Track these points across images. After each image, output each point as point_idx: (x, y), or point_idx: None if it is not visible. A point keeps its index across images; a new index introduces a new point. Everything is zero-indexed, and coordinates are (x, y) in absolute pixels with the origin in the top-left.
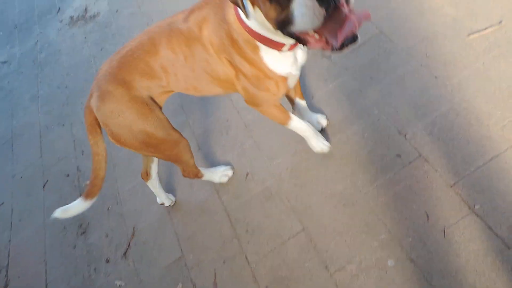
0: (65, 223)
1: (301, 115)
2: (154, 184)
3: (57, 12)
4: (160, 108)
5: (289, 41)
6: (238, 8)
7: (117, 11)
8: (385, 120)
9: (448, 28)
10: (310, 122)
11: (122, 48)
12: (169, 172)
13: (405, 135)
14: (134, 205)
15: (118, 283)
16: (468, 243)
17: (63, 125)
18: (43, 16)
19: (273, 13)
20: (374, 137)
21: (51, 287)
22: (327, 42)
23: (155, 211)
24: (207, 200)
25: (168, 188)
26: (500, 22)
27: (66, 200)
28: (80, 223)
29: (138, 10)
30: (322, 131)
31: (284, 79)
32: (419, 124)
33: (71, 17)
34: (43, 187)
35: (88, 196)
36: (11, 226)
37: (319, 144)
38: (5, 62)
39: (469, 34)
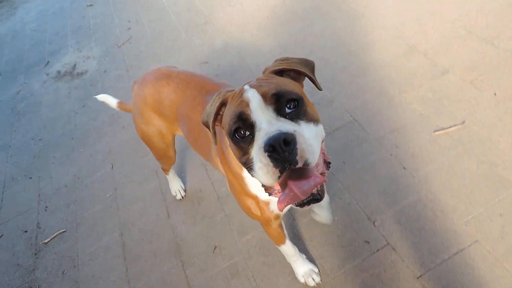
0: (14, 285)
1: (312, 211)
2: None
3: (45, 65)
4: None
5: None
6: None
7: (105, 71)
8: (355, 205)
9: (416, 123)
10: (321, 216)
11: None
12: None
13: (374, 222)
14: (93, 270)
15: None
16: None
17: (30, 178)
18: (30, 67)
19: (236, 153)
20: (344, 221)
21: None
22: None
23: (114, 279)
24: (170, 271)
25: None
26: (463, 122)
27: (18, 259)
28: (30, 285)
29: (125, 73)
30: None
31: (266, 203)
32: (388, 212)
33: (59, 72)
34: None
35: None
36: None
37: (305, 274)
38: None
39: (435, 131)
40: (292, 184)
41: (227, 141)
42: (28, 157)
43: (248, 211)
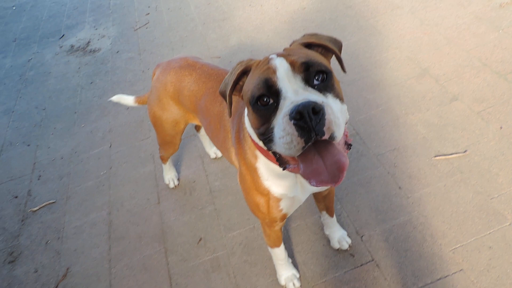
0: None
1: (325, 227)
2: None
3: (60, 38)
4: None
5: None
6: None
7: (117, 52)
8: (346, 216)
9: (418, 145)
10: (330, 236)
11: (207, 67)
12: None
13: (362, 236)
14: (76, 244)
15: None
16: None
17: (28, 145)
18: (45, 38)
19: (255, 121)
20: None
21: None
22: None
23: (95, 256)
24: (152, 256)
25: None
26: (465, 151)
27: (4, 223)
28: (12, 250)
29: (137, 56)
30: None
31: (277, 200)
32: (377, 228)
33: (72, 46)
34: None
35: None
36: None
37: (287, 278)
38: None
39: (436, 156)
40: (317, 155)
41: (246, 134)
42: (29, 125)
43: (255, 208)
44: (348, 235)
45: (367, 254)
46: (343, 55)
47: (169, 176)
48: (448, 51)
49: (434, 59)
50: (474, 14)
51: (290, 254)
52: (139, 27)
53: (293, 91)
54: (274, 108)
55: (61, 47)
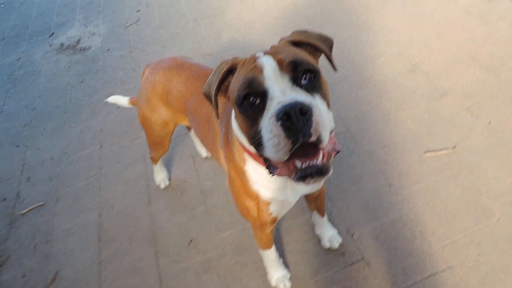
0: None
1: (316, 226)
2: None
3: (50, 36)
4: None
5: None
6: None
7: (108, 50)
8: (336, 215)
9: (408, 142)
10: (321, 236)
11: (194, 66)
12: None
13: (352, 235)
14: (65, 247)
15: None
16: None
17: (18, 146)
18: (34, 36)
19: (243, 124)
20: None
21: None
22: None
23: (85, 259)
24: (142, 258)
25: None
26: (454, 147)
27: None
28: (0, 255)
29: (128, 54)
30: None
31: (266, 203)
32: (367, 226)
33: (62, 44)
34: None
35: None
36: None
37: (278, 279)
38: None
39: (425, 152)
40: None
41: (233, 136)
42: (19, 125)
43: (245, 212)
44: (338, 233)
45: (357, 252)
46: (334, 51)
47: (160, 176)
48: (438, 46)
49: (424, 54)
50: (464, 8)
51: (281, 254)
52: (130, 25)
53: (281, 90)
54: (261, 109)
55: (50, 45)
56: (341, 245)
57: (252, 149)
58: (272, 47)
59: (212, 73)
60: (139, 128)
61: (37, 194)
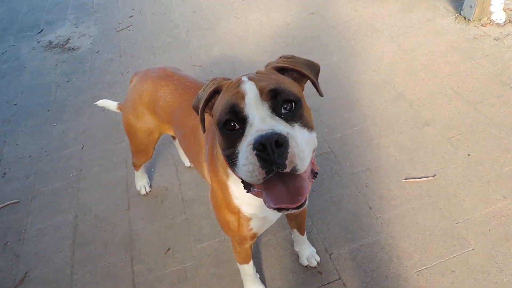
0: None
1: (295, 244)
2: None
3: (38, 33)
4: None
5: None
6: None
7: (97, 52)
8: (316, 234)
9: (389, 167)
10: (300, 253)
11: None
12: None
13: (330, 254)
14: (37, 248)
15: None
16: None
17: None
18: (22, 31)
19: (222, 144)
20: None
21: None
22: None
23: (58, 261)
24: (117, 264)
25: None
26: (434, 175)
27: None
28: None
29: (118, 58)
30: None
31: (247, 219)
32: (346, 247)
33: (50, 42)
34: None
35: None
36: None
37: None
38: None
39: (406, 178)
40: (280, 184)
41: (218, 151)
42: None
43: (225, 226)
44: (317, 252)
45: (334, 272)
46: (322, 74)
47: (141, 182)
48: (423, 77)
49: (409, 84)
50: (449, 43)
51: (259, 269)
52: (122, 29)
53: (260, 118)
54: (240, 134)
55: (38, 42)
56: (319, 263)
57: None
58: (257, 73)
59: (202, 89)
60: (123, 132)
61: (11, 191)
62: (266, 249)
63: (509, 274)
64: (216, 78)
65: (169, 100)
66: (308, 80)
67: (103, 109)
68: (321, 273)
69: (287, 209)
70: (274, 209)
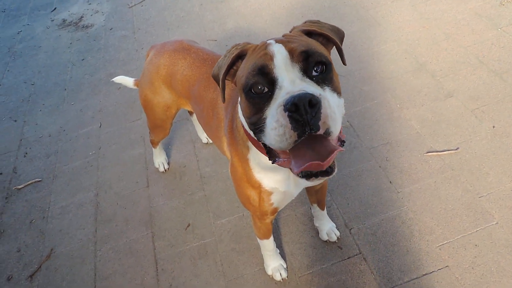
0: None
1: (315, 219)
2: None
3: (52, 11)
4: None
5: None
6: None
7: (111, 29)
8: (335, 209)
9: (411, 141)
10: (319, 228)
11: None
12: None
13: (350, 229)
14: (61, 225)
15: None
16: None
17: (15, 120)
18: (36, 10)
19: (247, 110)
20: None
21: None
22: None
23: (81, 238)
24: (138, 240)
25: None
26: (457, 148)
27: None
28: None
29: (131, 34)
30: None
31: (268, 193)
32: (366, 222)
33: (64, 20)
34: None
35: None
36: None
37: (274, 269)
38: None
39: (428, 151)
40: (310, 150)
41: (238, 124)
42: (17, 99)
43: (245, 201)
44: (337, 227)
45: (354, 247)
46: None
47: (159, 160)
48: (446, 46)
49: (431, 54)
50: (474, 10)
51: (278, 244)
52: (135, 4)
53: (290, 80)
54: (268, 97)
55: (52, 20)
56: (338, 238)
57: (251, 133)
58: (284, 35)
59: (223, 56)
60: (139, 110)
61: (33, 170)
62: (286, 224)
63: None
64: (239, 43)
65: (186, 73)
66: (333, 48)
67: (119, 87)
68: (341, 248)
69: (316, 176)
70: (302, 177)
